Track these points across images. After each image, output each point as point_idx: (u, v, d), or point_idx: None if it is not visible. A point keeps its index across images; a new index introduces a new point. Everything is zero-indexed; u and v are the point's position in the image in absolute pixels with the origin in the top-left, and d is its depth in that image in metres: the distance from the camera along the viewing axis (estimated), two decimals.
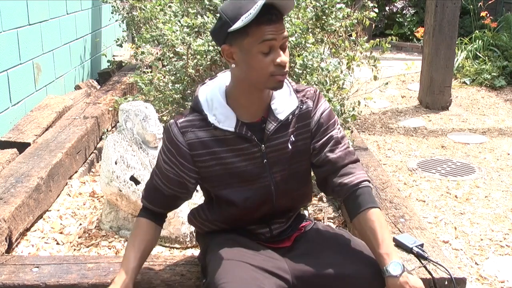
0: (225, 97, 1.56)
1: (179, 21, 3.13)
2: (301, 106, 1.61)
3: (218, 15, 1.54)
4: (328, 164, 1.60)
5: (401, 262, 1.46)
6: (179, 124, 1.57)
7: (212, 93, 1.58)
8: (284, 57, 1.48)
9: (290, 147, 1.60)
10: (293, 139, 1.60)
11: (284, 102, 1.59)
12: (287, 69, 1.50)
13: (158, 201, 1.68)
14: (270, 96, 1.58)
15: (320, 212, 2.73)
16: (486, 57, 6.34)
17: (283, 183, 1.62)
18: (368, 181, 1.61)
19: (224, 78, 1.61)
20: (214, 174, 1.58)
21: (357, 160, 1.65)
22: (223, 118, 1.54)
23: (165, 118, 3.23)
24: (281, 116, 1.58)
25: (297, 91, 1.63)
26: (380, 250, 1.47)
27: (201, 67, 2.91)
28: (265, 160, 1.58)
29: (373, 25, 8.32)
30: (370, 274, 1.50)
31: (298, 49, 2.89)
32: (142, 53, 3.35)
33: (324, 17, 3.01)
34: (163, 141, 1.62)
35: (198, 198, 2.32)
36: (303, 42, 2.86)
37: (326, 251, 1.59)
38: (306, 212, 2.66)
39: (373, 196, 1.60)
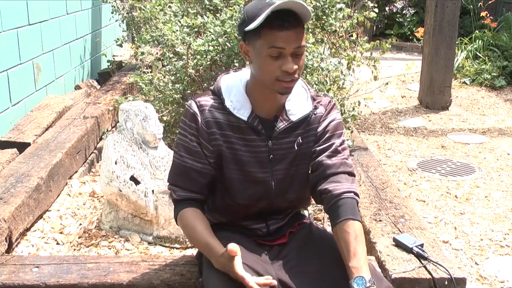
0: (245, 88, 1.60)
1: (179, 21, 3.12)
2: (315, 112, 1.64)
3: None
4: (321, 168, 1.60)
5: (368, 278, 1.42)
6: (198, 102, 1.60)
7: (234, 82, 1.62)
8: (290, 65, 1.47)
9: (296, 147, 1.62)
10: (300, 141, 1.62)
11: (299, 105, 1.62)
12: (296, 76, 1.51)
13: (197, 183, 1.62)
14: (285, 96, 1.60)
15: (320, 212, 2.73)
16: (486, 57, 6.33)
17: (284, 182, 1.63)
18: (355, 193, 1.58)
19: (247, 71, 1.64)
20: (222, 154, 1.60)
21: (351, 174, 1.62)
22: (239, 106, 1.58)
23: (165, 118, 3.22)
24: (294, 117, 1.61)
25: (313, 99, 1.66)
26: (350, 263, 1.45)
27: (201, 67, 2.91)
28: (271, 156, 1.60)
29: (374, 26, 8.33)
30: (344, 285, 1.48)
31: None
32: (142, 53, 3.35)
33: (324, 17, 3.01)
34: (183, 122, 1.62)
35: None
36: None
37: (310, 257, 1.59)
38: (306, 212, 2.66)
39: (356, 209, 1.56)
